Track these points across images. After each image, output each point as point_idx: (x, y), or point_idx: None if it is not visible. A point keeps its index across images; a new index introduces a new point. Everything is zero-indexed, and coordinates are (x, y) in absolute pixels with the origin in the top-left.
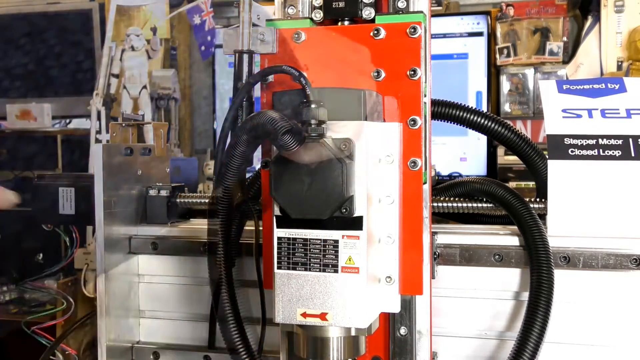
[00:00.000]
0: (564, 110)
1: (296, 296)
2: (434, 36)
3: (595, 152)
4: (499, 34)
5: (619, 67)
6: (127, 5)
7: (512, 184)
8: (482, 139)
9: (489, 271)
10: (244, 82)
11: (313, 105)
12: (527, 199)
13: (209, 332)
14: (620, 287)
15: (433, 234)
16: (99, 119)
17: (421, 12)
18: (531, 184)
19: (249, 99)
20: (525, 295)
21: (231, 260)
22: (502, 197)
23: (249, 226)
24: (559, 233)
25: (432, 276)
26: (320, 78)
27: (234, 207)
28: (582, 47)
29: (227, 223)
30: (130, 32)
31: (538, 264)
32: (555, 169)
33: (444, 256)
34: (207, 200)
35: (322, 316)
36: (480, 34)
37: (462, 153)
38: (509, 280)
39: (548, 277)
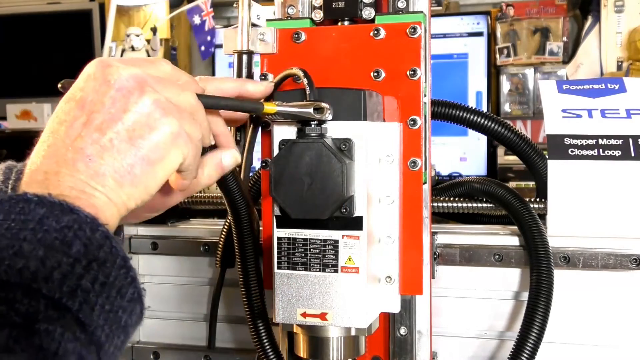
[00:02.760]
0: (564, 110)
1: (296, 296)
2: (434, 36)
3: (595, 152)
4: (499, 34)
5: (619, 67)
6: (127, 5)
7: (512, 184)
8: (482, 139)
9: (489, 271)
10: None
11: (307, 101)
12: (527, 199)
13: (208, 332)
14: (620, 287)
15: (433, 234)
16: None
17: (421, 12)
18: (531, 184)
19: None
20: (526, 295)
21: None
22: (502, 197)
23: None
24: (559, 233)
25: (432, 276)
26: (320, 78)
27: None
28: (582, 47)
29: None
30: (130, 32)
31: (538, 263)
32: (555, 169)
33: (444, 256)
34: (208, 200)
35: (322, 316)
36: (480, 34)
37: (462, 153)
38: (509, 280)
39: (548, 276)
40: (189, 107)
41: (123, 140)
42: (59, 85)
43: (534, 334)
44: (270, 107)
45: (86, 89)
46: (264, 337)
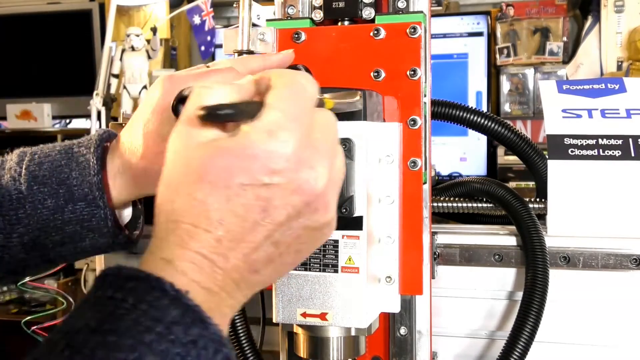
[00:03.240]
0: (564, 110)
1: (296, 296)
2: (434, 36)
3: (595, 152)
4: (499, 34)
5: (619, 67)
6: (127, 5)
7: (512, 184)
8: (482, 139)
9: (489, 271)
10: None
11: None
12: (527, 199)
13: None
14: (620, 287)
15: (433, 234)
16: (99, 119)
17: (421, 12)
18: (531, 184)
19: None
20: None
21: None
22: (501, 196)
23: None
24: (559, 233)
25: (432, 276)
26: (320, 78)
27: None
28: (582, 47)
29: None
30: (130, 32)
31: (534, 263)
32: (555, 169)
33: (444, 256)
34: None
35: (322, 316)
36: (480, 34)
37: (462, 153)
38: (509, 280)
39: (543, 276)
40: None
41: (290, 253)
42: (202, 114)
43: (525, 334)
44: (329, 103)
45: (272, 190)
46: (240, 333)
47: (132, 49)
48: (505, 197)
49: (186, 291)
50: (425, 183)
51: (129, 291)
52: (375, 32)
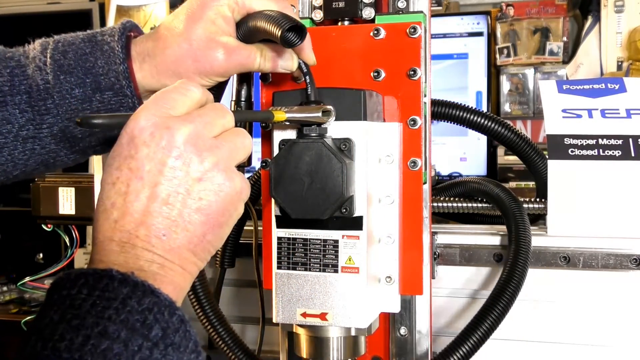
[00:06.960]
0: (564, 110)
1: (296, 296)
2: (434, 36)
3: (595, 152)
4: (499, 34)
5: (619, 67)
6: (127, 5)
7: (512, 184)
8: (482, 139)
9: (489, 271)
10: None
11: (313, 105)
12: (527, 199)
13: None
14: (620, 287)
15: (433, 234)
16: None
17: (421, 12)
18: (531, 184)
19: (248, 99)
20: (526, 295)
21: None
22: (495, 195)
23: (249, 226)
24: (559, 233)
25: (432, 276)
26: (320, 78)
27: None
28: (582, 47)
29: None
30: None
31: (514, 257)
32: (555, 169)
33: (444, 256)
34: None
35: (322, 316)
36: (480, 34)
37: (462, 153)
38: None
39: (520, 273)
40: (241, 143)
41: (192, 212)
42: (77, 121)
43: (480, 331)
44: (280, 115)
45: (138, 157)
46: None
47: None
48: (500, 195)
49: (131, 272)
50: (425, 183)
51: (81, 286)
52: (375, 32)
